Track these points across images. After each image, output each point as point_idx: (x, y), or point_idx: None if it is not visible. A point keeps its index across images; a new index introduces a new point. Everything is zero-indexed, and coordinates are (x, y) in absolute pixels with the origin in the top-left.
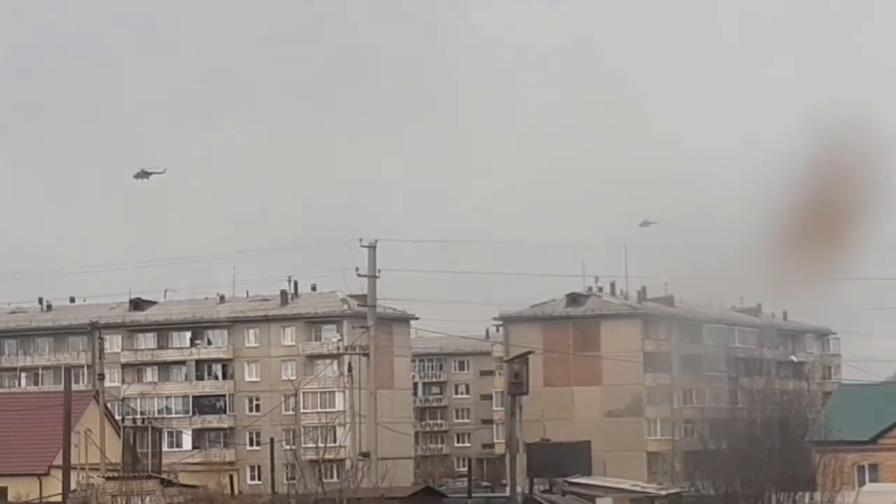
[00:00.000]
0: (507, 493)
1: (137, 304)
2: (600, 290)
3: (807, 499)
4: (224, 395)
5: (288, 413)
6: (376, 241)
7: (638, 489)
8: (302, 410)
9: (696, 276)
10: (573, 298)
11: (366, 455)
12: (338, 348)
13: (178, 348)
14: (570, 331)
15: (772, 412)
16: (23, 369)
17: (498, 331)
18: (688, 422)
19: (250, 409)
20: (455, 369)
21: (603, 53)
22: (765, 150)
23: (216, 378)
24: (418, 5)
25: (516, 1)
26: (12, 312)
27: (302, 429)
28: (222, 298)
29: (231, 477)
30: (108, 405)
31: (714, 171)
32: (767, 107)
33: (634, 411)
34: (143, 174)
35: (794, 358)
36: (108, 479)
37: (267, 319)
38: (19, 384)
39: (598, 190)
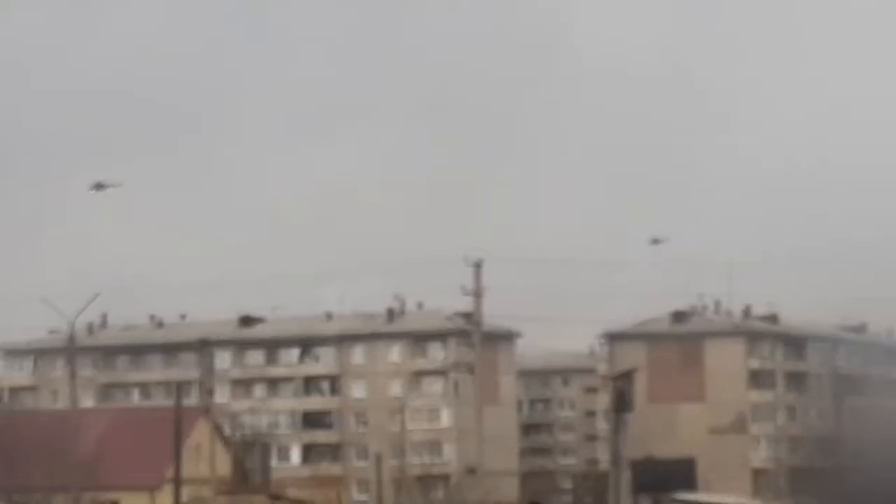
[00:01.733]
0: None
1: (247, 321)
2: (704, 307)
3: None
4: (332, 411)
5: (395, 429)
6: (482, 258)
7: None
8: (408, 426)
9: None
10: (677, 316)
11: (471, 470)
12: (444, 365)
13: (286, 364)
14: (674, 348)
15: (878, 431)
16: (134, 385)
17: (602, 348)
18: (793, 439)
19: (357, 425)
20: (559, 386)
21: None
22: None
23: (324, 394)
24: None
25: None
26: (124, 329)
27: (408, 444)
28: (330, 315)
29: (338, 492)
30: (218, 420)
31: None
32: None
33: (739, 428)
34: (100, 186)
35: None
36: (218, 493)
37: (374, 336)
38: (132, 399)
39: (703, 206)
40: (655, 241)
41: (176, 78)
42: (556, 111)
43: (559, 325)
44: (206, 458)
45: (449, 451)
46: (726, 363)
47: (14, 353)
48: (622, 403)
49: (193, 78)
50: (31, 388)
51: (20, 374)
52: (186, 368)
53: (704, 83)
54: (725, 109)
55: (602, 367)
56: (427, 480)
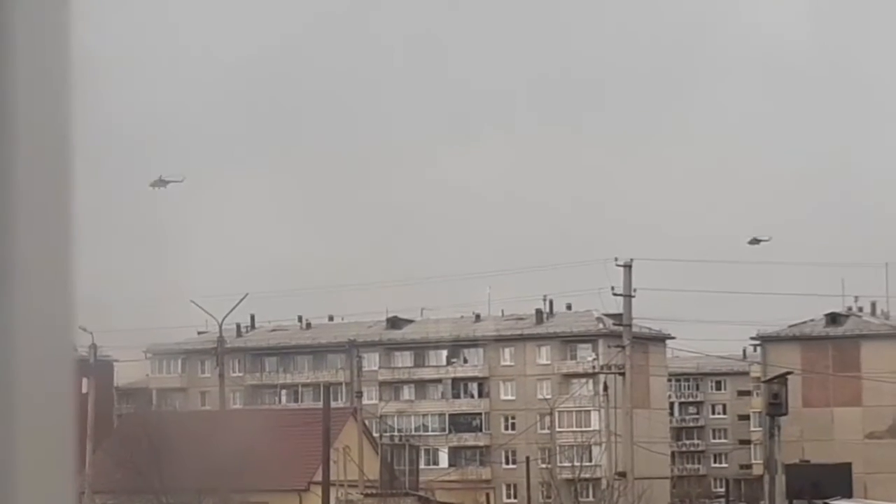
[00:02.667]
0: None
1: (395, 323)
2: (860, 309)
3: None
4: (480, 414)
5: (543, 432)
6: (632, 259)
7: None
8: (557, 429)
9: None
10: (832, 318)
11: (622, 474)
12: (593, 367)
13: (434, 366)
14: (829, 351)
15: None
16: (283, 386)
17: (755, 350)
18: None
19: (506, 428)
20: (711, 389)
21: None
22: None
23: (472, 396)
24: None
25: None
26: (273, 330)
27: (557, 447)
28: (478, 317)
29: (487, 495)
30: (366, 422)
31: None
32: None
33: None
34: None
35: None
36: (367, 495)
37: (522, 338)
38: (279, 401)
39: (858, 206)
40: (755, 241)
41: (294, 74)
42: (698, 109)
43: (712, 327)
44: (354, 461)
45: (599, 455)
46: (883, 366)
47: (163, 354)
48: (776, 407)
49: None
50: (180, 390)
51: (169, 375)
52: (334, 370)
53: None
54: (886, 104)
55: (755, 370)
56: (576, 484)
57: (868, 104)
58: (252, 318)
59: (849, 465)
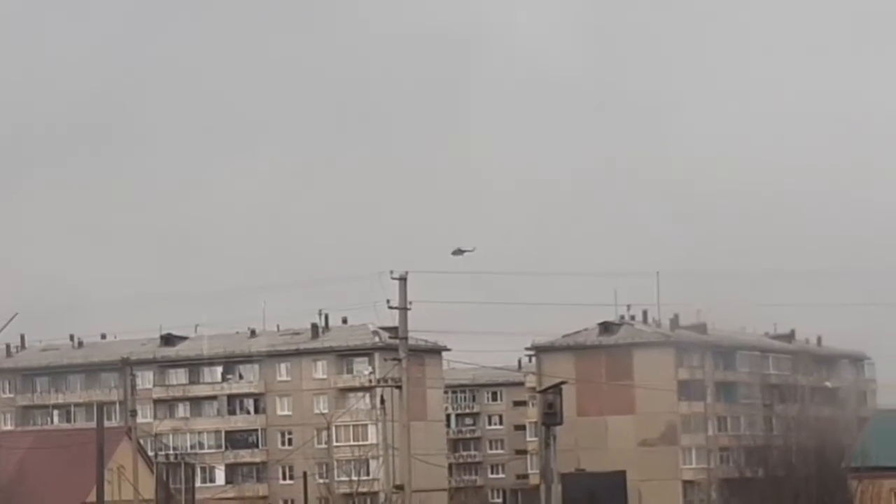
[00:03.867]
0: None
1: (168, 340)
2: (632, 318)
3: None
4: (256, 430)
5: (321, 446)
6: (406, 272)
7: None
8: (335, 444)
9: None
10: (605, 327)
11: (399, 488)
12: (370, 381)
13: (209, 383)
14: (602, 360)
15: (807, 439)
16: (55, 406)
17: (530, 361)
18: (723, 450)
19: (283, 444)
20: (488, 400)
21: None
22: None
23: (248, 412)
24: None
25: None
26: (44, 350)
27: (335, 462)
28: (253, 333)
29: None
30: (141, 441)
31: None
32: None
33: (669, 440)
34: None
35: (828, 384)
36: None
37: (298, 353)
38: (52, 421)
39: (624, 217)
40: (458, 252)
41: (86, 88)
42: (491, 118)
43: (487, 338)
44: (129, 480)
45: (376, 469)
46: (655, 374)
47: None
48: (551, 417)
49: (105, 88)
50: None
51: None
52: (108, 389)
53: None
54: (647, 117)
55: (530, 381)
56: (354, 498)
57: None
58: (22, 337)
59: (623, 473)
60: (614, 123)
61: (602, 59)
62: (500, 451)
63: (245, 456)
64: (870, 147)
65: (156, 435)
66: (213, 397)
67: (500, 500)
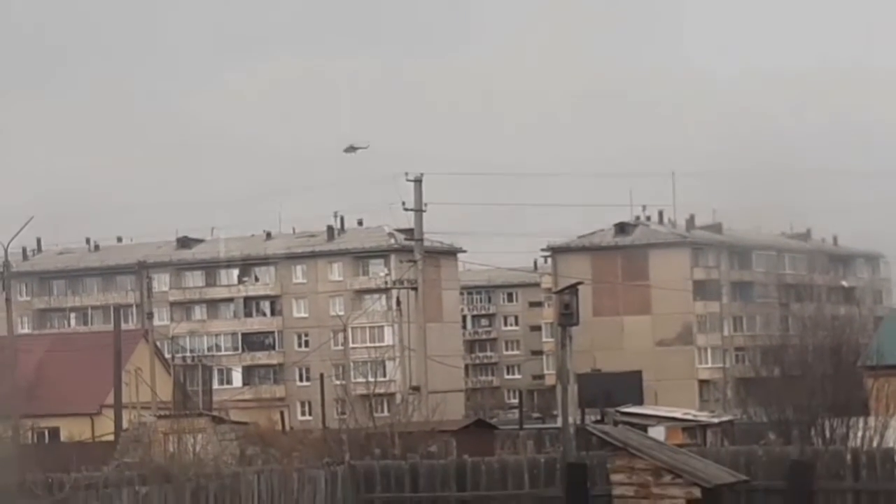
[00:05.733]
0: (559, 424)
1: (185, 243)
2: (648, 219)
3: (860, 424)
4: (273, 332)
5: (337, 348)
6: (422, 174)
7: (690, 417)
8: (351, 345)
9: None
10: (621, 228)
11: (416, 388)
12: (385, 283)
13: (225, 286)
14: (618, 260)
15: (823, 338)
16: (72, 309)
17: (546, 262)
18: (739, 349)
19: (299, 346)
20: (503, 301)
21: None
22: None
23: (264, 315)
24: None
25: None
26: (60, 253)
27: (351, 364)
28: (269, 235)
29: (281, 413)
30: (158, 344)
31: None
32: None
33: (685, 340)
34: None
35: (844, 283)
36: (160, 417)
37: (314, 255)
38: (69, 324)
39: (641, 117)
40: (351, 149)
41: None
42: (495, 16)
43: (502, 239)
44: (146, 382)
45: (393, 370)
46: (671, 274)
47: None
48: (567, 317)
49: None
50: None
51: None
52: (124, 292)
53: None
54: (676, 19)
55: (546, 281)
56: (371, 399)
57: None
58: (38, 241)
59: (639, 372)
60: (632, 21)
61: None
62: (515, 352)
63: (262, 358)
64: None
65: (172, 337)
66: (230, 299)
67: (517, 400)
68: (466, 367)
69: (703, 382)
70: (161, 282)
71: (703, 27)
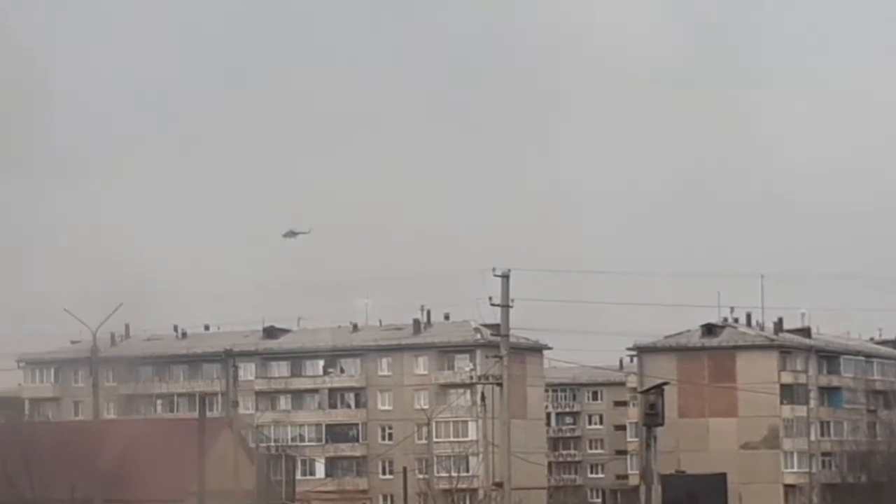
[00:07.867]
0: None
1: (271, 332)
2: (736, 320)
3: None
4: (357, 424)
5: (421, 442)
6: (509, 270)
7: None
8: (435, 439)
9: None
10: (708, 329)
11: (499, 485)
12: (471, 377)
13: (311, 376)
14: (705, 361)
15: None
16: (158, 396)
17: (632, 361)
18: (826, 455)
19: (383, 438)
20: (588, 399)
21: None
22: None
23: (349, 406)
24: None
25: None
26: (148, 340)
27: (435, 458)
28: (355, 327)
29: None
30: (242, 432)
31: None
32: None
33: (771, 443)
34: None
35: None
36: None
37: (400, 348)
38: (155, 411)
39: (729, 217)
40: (291, 234)
41: (182, 81)
42: (584, 115)
43: (589, 337)
44: (230, 471)
45: (476, 465)
46: (758, 377)
47: (36, 363)
48: (652, 417)
49: (200, 81)
50: (53, 399)
51: (42, 385)
52: (210, 380)
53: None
54: (749, 118)
55: (632, 381)
56: (454, 494)
57: None
58: (127, 327)
59: (724, 475)
60: (710, 124)
61: (692, 58)
62: (599, 451)
63: (345, 449)
64: None
65: (257, 426)
66: (315, 390)
67: (600, 500)
68: (550, 464)
69: (788, 487)
70: (247, 371)
71: (789, 124)
